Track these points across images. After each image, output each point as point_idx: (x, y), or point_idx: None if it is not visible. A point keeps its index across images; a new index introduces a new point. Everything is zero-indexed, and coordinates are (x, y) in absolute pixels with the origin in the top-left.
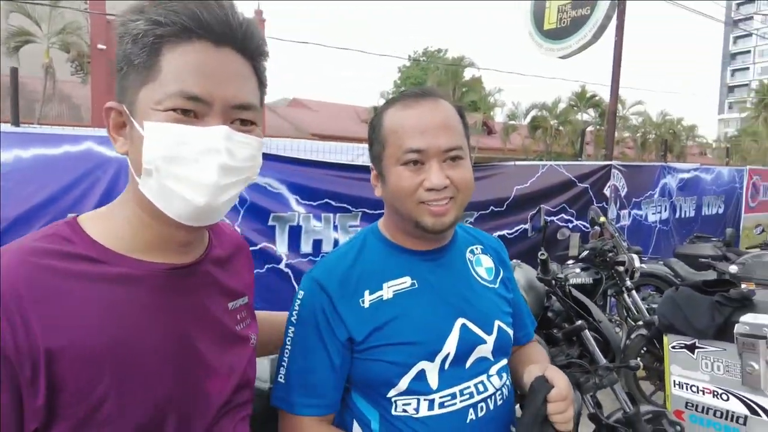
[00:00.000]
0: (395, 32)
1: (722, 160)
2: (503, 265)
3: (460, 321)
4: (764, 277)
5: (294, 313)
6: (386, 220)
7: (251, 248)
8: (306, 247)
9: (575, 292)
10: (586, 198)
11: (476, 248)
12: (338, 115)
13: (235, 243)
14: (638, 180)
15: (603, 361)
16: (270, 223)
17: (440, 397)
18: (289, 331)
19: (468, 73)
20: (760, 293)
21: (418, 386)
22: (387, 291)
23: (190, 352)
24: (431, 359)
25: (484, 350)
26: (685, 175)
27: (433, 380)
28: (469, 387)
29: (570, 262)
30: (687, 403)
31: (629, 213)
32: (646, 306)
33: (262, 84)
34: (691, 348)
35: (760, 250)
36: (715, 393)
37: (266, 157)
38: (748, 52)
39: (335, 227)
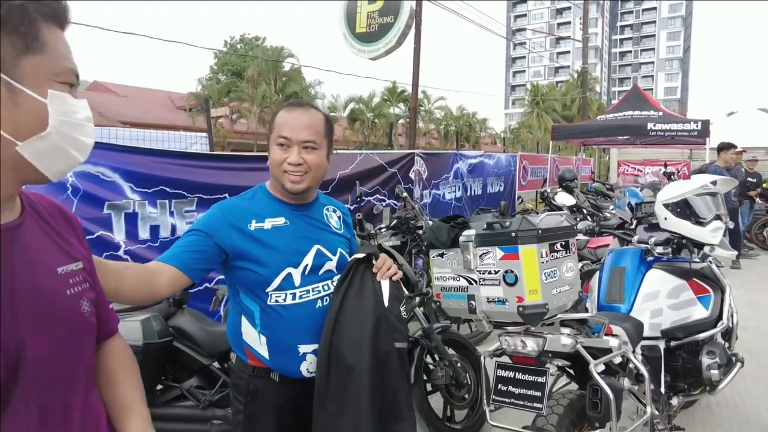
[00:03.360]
0: (214, 13)
1: (503, 149)
2: (346, 219)
3: (316, 246)
4: None
5: (195, 222)
6: (271, 182)
7: (88, 237)
8: (144, 233)
9: (384, 245)
10: (395, 180)
11: (330, 208)
12: (150, 101)
13: (58, 212)
14: (436, 165)
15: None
16: (105, 211)
17: (300, 292)
18: (187, 232)
19: (289, 64)
20: (474, 222)
21: (287, 284)
22: (267, 223)
23: (15, 314)
24: (296, 266)
25: (331, 265)
26: (473, 161)
27: (297, 280)
28: (318, 286)
29: (383, 229)
30: (441, 287)
31: (430, 192)
32: None
33: None
34: (441, 255)
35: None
36: (453, 278)
37: (99, 146)
38: (524, 57)
39: (171, 213)
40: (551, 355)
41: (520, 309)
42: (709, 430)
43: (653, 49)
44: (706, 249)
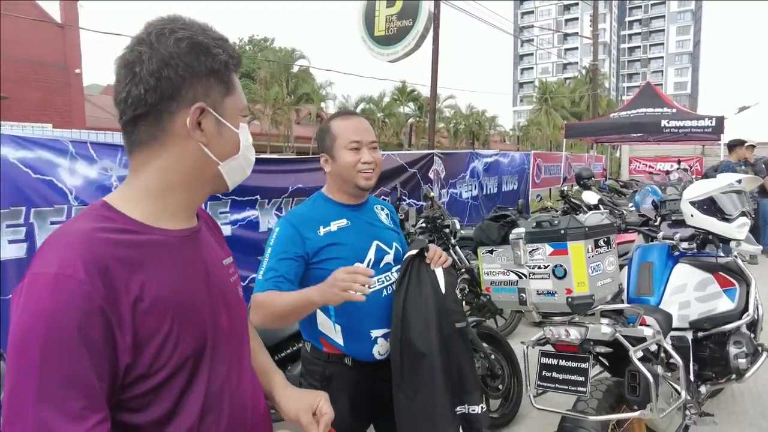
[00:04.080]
0: (219, 14)
1: (516, 147)
2: (393, 216)
3: (375, 242)
4: None
5: (272, 240)
6: (330, 187)
7: None
8: None
9: None
10: (415, 180)
11: (379, 206)
12: None
13: (210, 219)
14: (453, 165)
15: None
16: None
17: None
18: (267, 251)
19: (298, 66)
20: (521, 221)
21: None
22: (333, 226)
23: (211, 296)
24: (362, 261)
25: (389, 258)
26: (489, 160)
27: None
28: (381, 278)
29: (411, 229)
30: (491, 282)
31: (448, 192)
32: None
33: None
34: (491, 251)
35: (539, 213)
36: (503, 272)
37: None
38: (531, 54)
39: None
40: (592, 343)
41: (569, 300)
42: (734, 418)
43: (662, 44)
44: (732, 244)
